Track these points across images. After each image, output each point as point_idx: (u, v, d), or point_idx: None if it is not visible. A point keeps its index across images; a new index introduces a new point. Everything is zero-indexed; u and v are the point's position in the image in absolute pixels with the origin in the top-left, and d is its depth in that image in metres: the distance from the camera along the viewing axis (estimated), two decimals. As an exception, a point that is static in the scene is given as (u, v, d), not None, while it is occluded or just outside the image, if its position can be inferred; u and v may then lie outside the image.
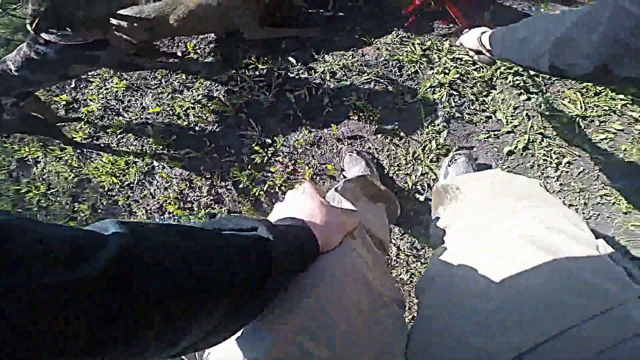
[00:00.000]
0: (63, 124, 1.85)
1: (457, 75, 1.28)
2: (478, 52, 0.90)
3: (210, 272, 0.31)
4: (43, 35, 1.33)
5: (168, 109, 1.67)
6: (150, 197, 1.72)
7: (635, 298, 0.40)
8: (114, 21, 1.32)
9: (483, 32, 0.86)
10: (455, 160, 1.23)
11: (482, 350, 0.41)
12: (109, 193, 1.81)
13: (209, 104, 1.57)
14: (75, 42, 1.36)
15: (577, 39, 0.49)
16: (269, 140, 1.49)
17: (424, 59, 1.31)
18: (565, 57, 0.53)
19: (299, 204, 0.49)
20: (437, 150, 1.32)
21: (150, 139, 1.68)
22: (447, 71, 1.29)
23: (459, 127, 1.32)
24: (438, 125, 1.32)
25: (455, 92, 1.31)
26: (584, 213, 1.30)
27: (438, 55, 1.30)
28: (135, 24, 1.35)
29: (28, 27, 1.21)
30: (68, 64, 1.46)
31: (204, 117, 1.59)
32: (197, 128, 1.63)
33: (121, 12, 1.32)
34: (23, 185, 1.98)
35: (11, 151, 2.04)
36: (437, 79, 1.29)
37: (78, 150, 1.89)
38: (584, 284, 0.42)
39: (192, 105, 1.60)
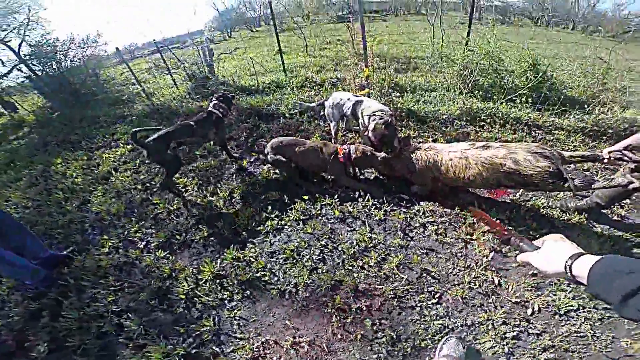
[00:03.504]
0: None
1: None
2: (557, 274, 0.73)
3: None
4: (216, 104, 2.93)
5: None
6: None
7: None
8: None
9: (575, 258, 0.69)
10: (448, 340, 1.75)
11: None
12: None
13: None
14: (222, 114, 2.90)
15: None
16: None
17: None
18: None
19: None
20: (481, 270, 2.04)
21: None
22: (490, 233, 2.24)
23: (498, 259, 2.09)
24: (485, 260, 2.10)
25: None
26: None
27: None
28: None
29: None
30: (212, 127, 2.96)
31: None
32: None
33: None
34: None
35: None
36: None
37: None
38: None
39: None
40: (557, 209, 2.42)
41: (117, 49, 6.04)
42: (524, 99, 3.63)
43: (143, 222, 2.97)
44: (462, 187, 2.49)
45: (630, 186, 1.72)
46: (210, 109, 3.18)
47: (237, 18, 25.69)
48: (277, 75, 5.82)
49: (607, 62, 4.12)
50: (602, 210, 2.33)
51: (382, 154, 2.44)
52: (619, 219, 2.36)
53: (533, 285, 1.96)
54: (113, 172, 3.87)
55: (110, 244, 2.81)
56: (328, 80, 4.96)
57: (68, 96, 7.05)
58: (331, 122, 3.17)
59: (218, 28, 22.14)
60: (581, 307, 1.84)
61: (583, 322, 1.79)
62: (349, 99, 2.91)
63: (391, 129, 2.42)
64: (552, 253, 0.75)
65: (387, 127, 2.42)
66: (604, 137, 3.19)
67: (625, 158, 1.73)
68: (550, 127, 3.35)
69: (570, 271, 0.69)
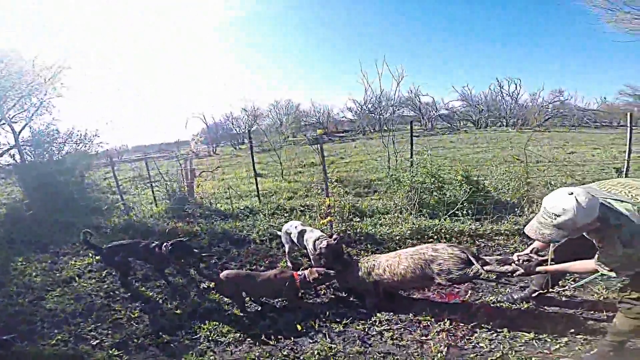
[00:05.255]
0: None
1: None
2: None
3: None
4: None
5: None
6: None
7: None
8: None
9: None
10: None
11: None
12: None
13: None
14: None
15: None
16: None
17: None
18: None
19: None
20: None
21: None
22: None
23: (453, 352, 2.24)
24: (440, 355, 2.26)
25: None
26: None
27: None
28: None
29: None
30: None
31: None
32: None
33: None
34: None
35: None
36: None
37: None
38: None
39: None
40: (505, 302, 2.70)
41: (115, 150, 6.18)
42: (464, 212, 4.24)
43: (100, 323, 2.90)
44: (402, 289, 2.85)
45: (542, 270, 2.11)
46: (156, 242, 3.40)
47: (224, 133, 28.19)
48: (251, 201, 6.21)
49: (523, 161, 4.87)
50: (547, 295, 2.60)
51: (332, 272, 2.81)
52: (568, 299, 2.67)
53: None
54: (76, 278, 3.81)
55: (59, 337, 2.72)
56: (297, 208, 5.46)
57: (48, 196, 6.85)
58: (285, 244, 3.71)
59: (204, 142, 23.06)
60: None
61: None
62: (295, 227, 3.50)
63: (336, 248, 2.87)
64: None
65: (330, 246, 2.85)
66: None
67: (532, 260, 2.15)
68: (491, 234, 3.85)
69: None
